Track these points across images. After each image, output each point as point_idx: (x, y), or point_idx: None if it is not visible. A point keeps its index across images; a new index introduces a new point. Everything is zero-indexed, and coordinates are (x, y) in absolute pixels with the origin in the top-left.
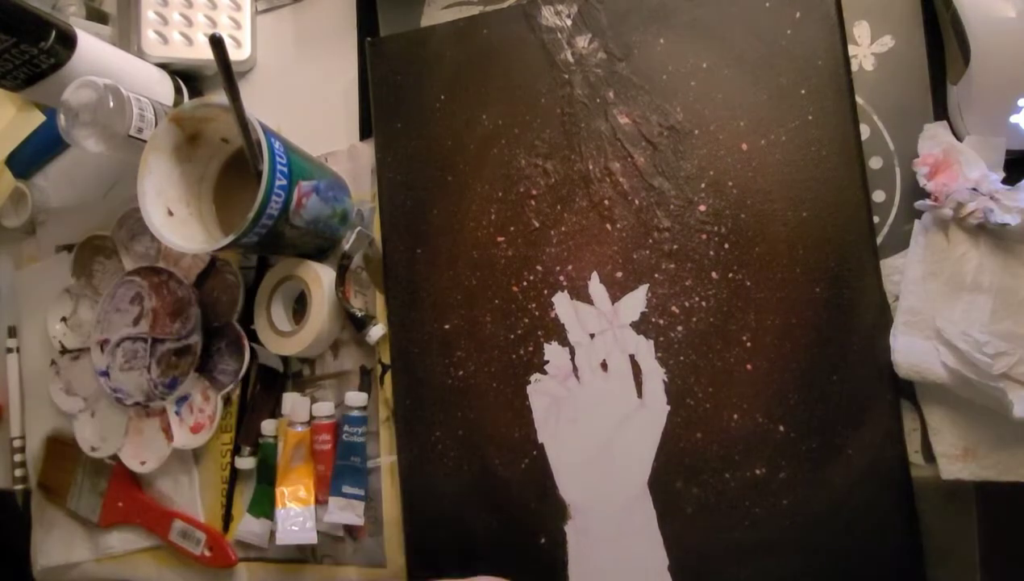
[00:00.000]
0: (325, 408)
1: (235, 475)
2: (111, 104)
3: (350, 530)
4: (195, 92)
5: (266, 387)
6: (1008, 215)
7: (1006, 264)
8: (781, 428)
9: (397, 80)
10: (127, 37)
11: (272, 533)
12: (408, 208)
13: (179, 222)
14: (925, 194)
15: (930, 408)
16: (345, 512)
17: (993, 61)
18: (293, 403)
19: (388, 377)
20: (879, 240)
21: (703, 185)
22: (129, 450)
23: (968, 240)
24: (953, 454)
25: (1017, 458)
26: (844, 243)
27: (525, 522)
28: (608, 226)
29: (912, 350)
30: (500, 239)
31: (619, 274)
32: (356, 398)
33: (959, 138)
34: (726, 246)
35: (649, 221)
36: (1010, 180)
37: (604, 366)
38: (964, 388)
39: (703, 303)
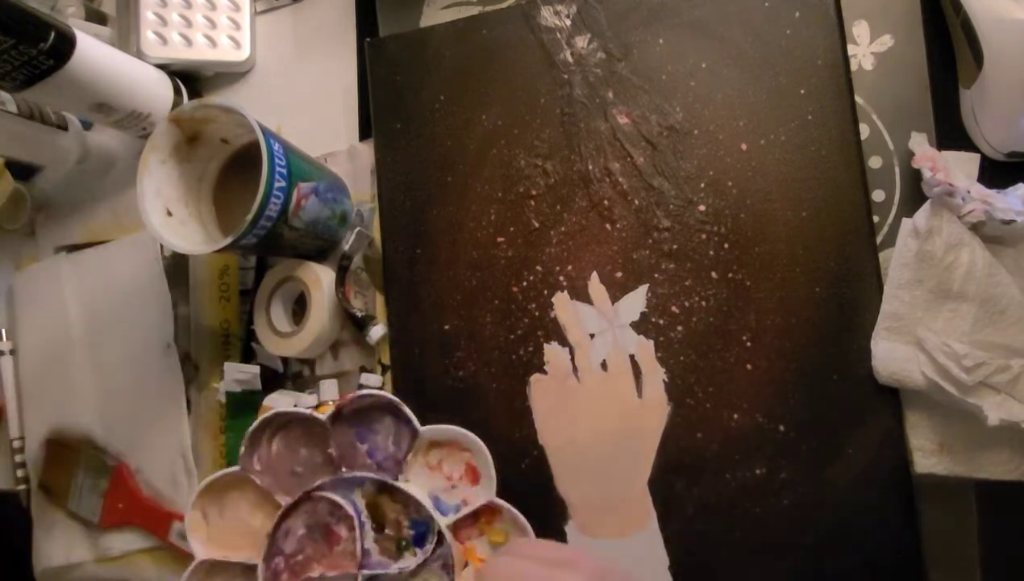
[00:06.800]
0: (309, 399)
1: None
2: None
3: None
4: (194, 93)
5: (265, 388)
6: (1008, 214)
7: (992, 273)
8: (781, 428)
9: (396, 80)
10: (126, 38)
11: None
12: (408, 208)
13: (178, 223)
14: (924, 196)
15: (909, 403)
16: None
17: (1007, 64)
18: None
19: (388, 378)
20: (879, 239)
21: (703, 185)
22: None
23: (959, 246)
24: (929, 448)
25: (991, 456)
26: (844, 243)
27: None
28: (608, 226)
29: (893, 357)
30: (500, 239)
31: (619, 274)
32: (372, 379)
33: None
34: (726, 246)
35: (649, 221)
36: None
37: (604, 366)
38: (942, 395)
39: (703, 303)
